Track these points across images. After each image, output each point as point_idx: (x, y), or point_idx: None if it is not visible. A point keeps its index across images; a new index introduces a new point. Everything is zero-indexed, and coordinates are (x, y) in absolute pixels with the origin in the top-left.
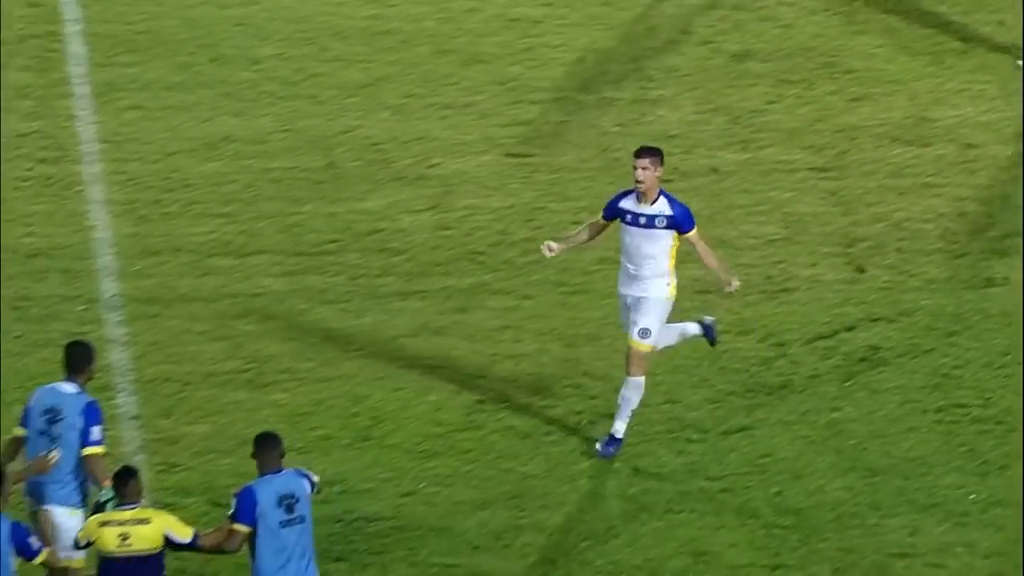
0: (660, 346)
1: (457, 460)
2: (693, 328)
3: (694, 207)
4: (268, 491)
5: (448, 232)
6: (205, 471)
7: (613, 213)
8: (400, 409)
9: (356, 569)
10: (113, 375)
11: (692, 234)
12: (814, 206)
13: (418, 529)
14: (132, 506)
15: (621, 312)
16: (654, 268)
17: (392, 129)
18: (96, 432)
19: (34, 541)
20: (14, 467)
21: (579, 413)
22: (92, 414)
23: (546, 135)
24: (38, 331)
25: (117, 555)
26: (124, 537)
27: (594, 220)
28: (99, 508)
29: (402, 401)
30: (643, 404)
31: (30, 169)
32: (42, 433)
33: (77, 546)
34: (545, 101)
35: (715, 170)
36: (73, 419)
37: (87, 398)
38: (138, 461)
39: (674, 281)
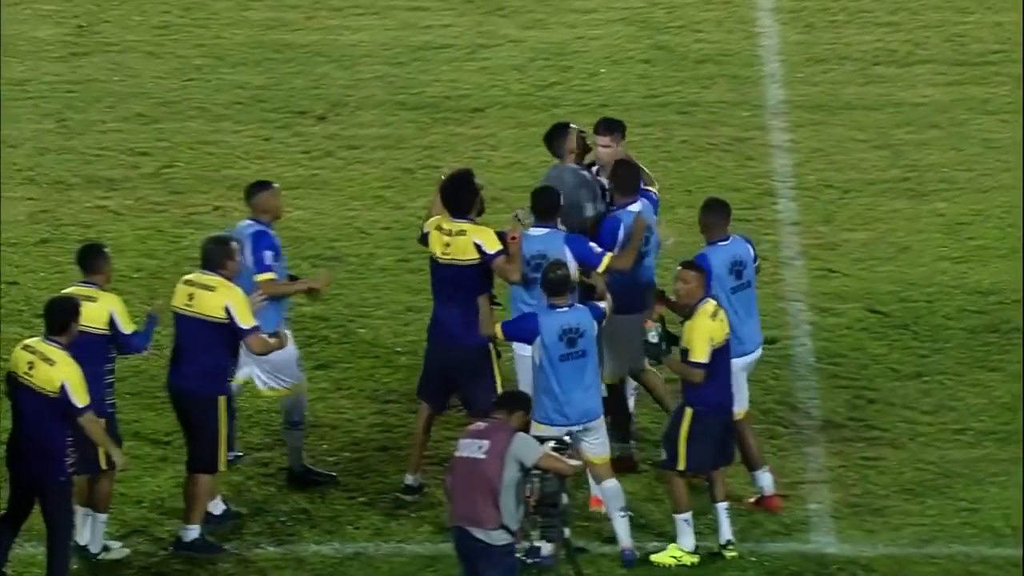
0: None
1: None
2: None
3: None
4: (720, 257)
5: None
6: (863, 278)
7: None
8: None
9: (1009, 379)
10: (775, 181)
11: None
12: None
13: None
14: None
15: None
16: None
17: None
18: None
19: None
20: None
21: None
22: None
23: None
24: (704, 136)
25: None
26: (446, 246)
27: None
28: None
29: None
30: None
31: None
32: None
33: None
34: None
35: None
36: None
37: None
38: (798, 266)
39: None
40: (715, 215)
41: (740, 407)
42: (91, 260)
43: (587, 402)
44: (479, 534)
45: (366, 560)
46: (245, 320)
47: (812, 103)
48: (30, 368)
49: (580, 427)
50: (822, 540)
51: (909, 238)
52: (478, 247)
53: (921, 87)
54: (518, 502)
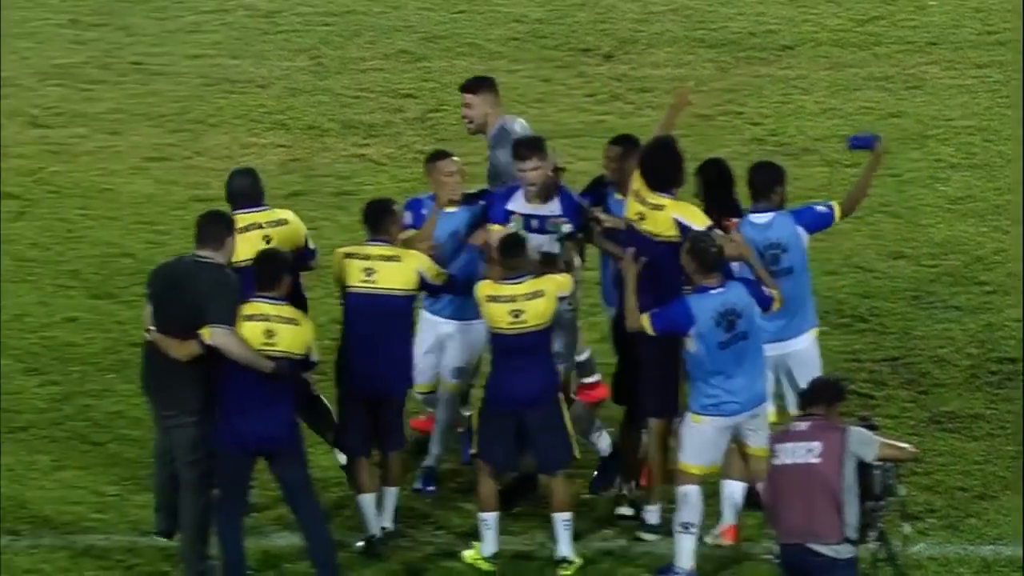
0: None
1: None
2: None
3: None
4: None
5: None
6: None
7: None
8: None
9: None
10: None
11: None
12: None
13: None
14: None
15: None
16: None
17: None
18: None
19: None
20: None
21: None
22: None
23: None
24: None
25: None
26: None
27: None
28: None
29: None
30: None
31: None
32: None
33: None
34: None
35: None
36: None
37: None
38: None
39: None
40: (763, 175)
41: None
42: (375, 219)
43: (751, 388)
44: (823, 549)
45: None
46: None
47: None
48: (269, 336)
49: (746, 416)
50: None
51: None
52: (680, 223)
53: None
54: (854, 505)
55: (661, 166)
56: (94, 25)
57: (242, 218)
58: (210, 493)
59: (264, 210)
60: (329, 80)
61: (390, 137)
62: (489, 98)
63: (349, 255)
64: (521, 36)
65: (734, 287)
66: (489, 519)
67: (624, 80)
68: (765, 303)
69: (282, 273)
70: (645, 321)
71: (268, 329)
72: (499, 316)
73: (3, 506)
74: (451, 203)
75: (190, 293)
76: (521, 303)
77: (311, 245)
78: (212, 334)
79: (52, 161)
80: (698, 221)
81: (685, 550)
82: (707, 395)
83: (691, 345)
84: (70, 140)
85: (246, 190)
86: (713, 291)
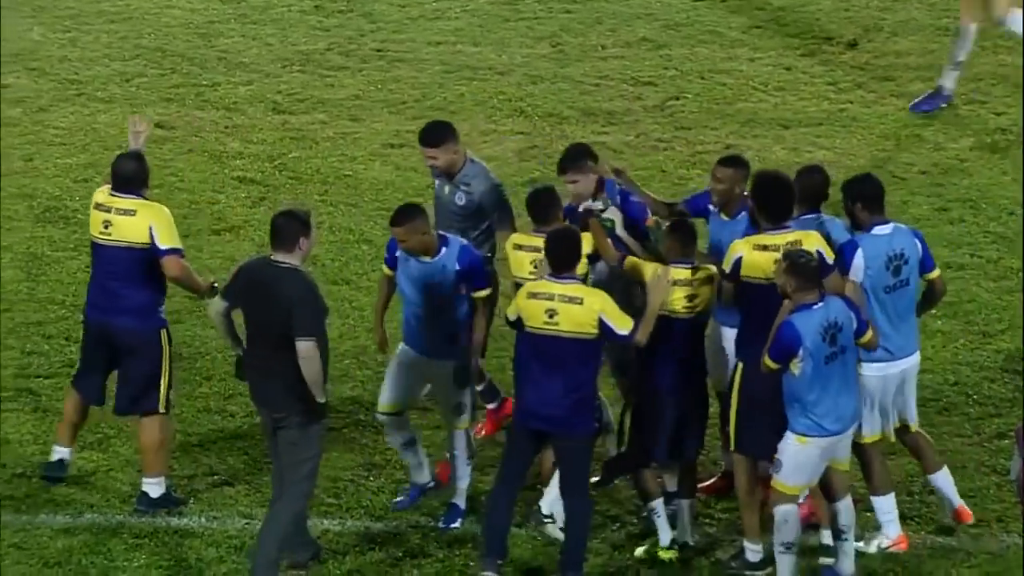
0: None
1: None
2: None
3: None
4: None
5: None
6: None
7: None
8: None
9: None
10: None
11: None
12: None
13: None
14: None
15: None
16: None
17: None
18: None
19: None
20: None
21: None
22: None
23: None
24: None
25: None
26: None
27: None
28: None
29: None
30: None
31: None
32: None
33: None
34: None
35: None
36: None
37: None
38: None
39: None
40: (874, 187)
41: (870, 431)
42: (541, 208)
43: (851, 404)
44: None
45: None
46: None
47: None
48: (551, 316)
49: (847, 433)
50: None
51: None
52: (820, 255)
53: None
54: None
55: (780, 200)
56: (337, 12)
57: (110, 200)
58: (308, 502)
59: (132, 198)
60: (569, 67)
61: (629, 125)
62: (451, 145)
63: (518, 246)
64: (763, 24)
65: (833, 301)
66: (658, 507)
67: (867, 68)
68: (863, 327)
69: (576, 255)
70: (767, 360)
71: (550, 309)
72: (677, 300)
73: (238, 489)
74: None
75: (275, 302)
76: (697, 288)
77: (161, 245)
78: (298, 347)
79: (293, 147)
80: (827, 252)
81: (788, 569)
82: (814, 414)
83: (797, 368)
84: (311, 126)
85: (127, 175)
86: (815, 306)
